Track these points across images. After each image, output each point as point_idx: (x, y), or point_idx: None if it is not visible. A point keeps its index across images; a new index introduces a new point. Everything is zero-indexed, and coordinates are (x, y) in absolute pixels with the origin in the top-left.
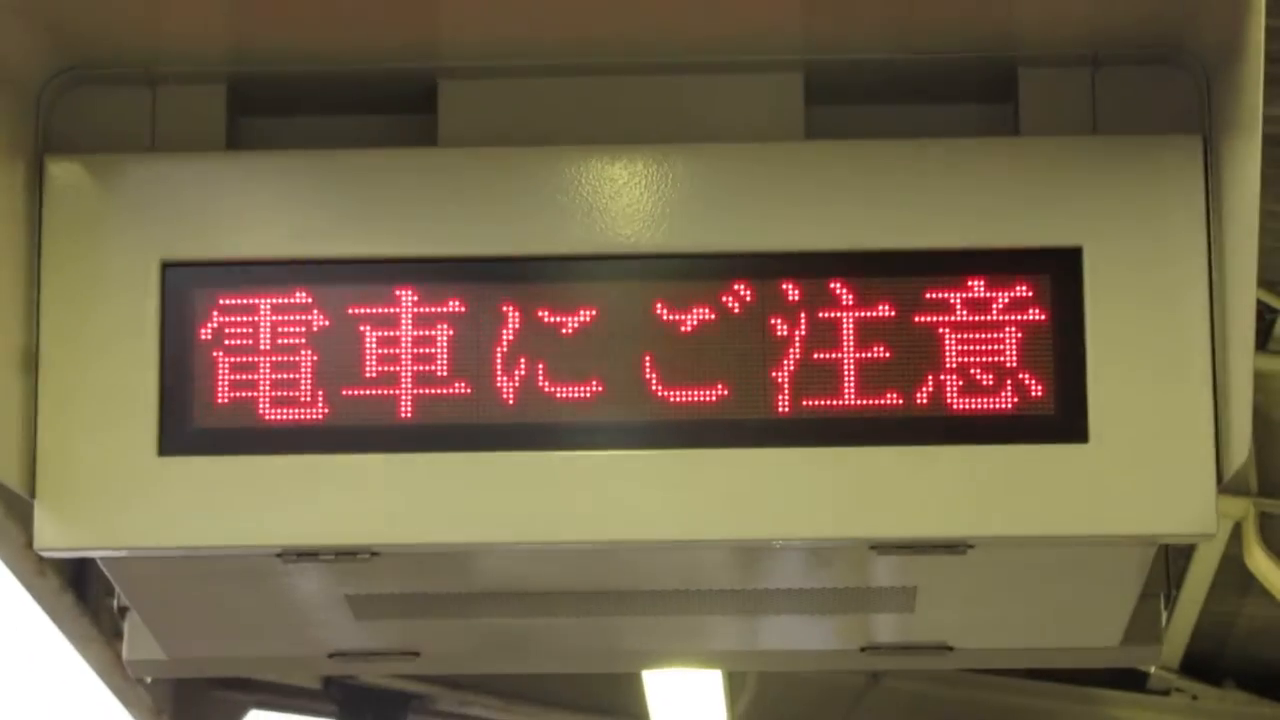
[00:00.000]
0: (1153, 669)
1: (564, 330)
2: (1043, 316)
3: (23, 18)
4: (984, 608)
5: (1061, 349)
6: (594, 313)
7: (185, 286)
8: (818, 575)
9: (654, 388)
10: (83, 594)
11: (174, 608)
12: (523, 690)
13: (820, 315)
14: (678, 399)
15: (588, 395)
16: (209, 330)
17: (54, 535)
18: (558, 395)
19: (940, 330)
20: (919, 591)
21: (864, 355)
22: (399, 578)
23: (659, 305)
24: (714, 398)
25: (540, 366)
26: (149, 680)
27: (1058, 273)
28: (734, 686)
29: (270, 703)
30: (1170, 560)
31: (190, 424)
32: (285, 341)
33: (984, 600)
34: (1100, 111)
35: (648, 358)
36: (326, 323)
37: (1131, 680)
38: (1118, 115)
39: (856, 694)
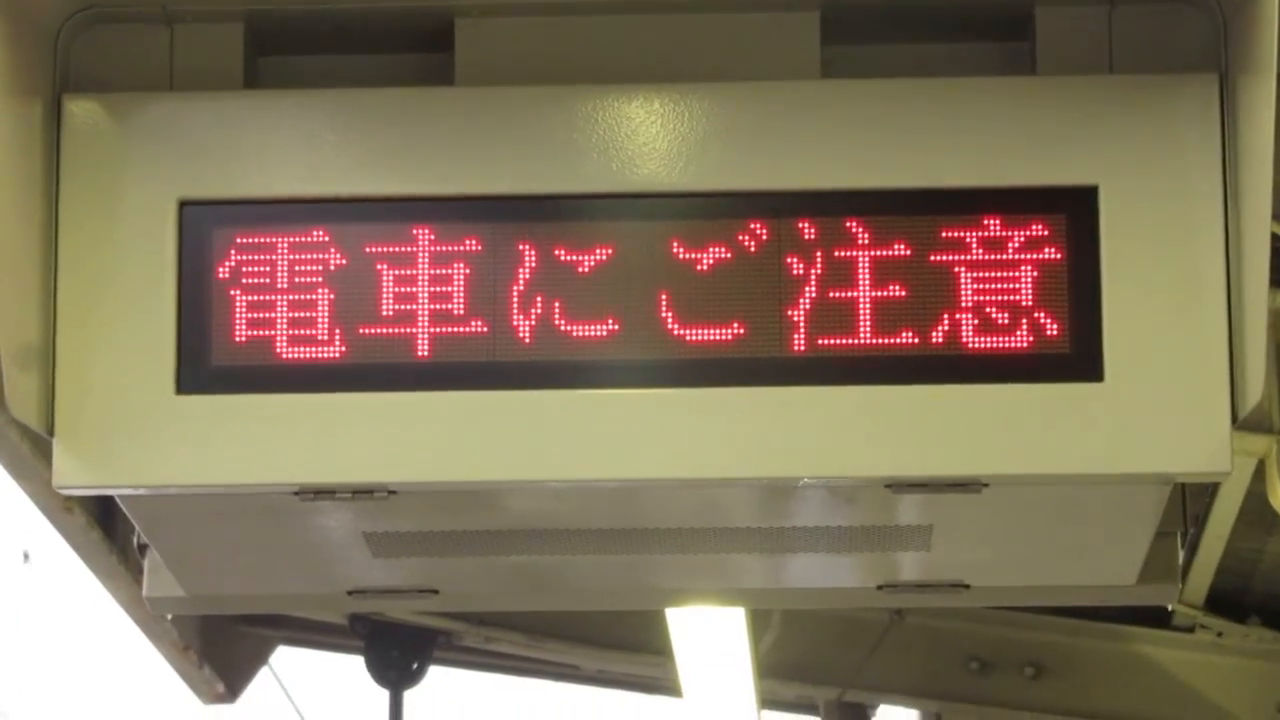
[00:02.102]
0: (1176, 606)
1: (580, 269)
2: (1058, 255)
3: None
4: (1000, 546)
5: (1077, 288)
6: (610, 251)
7: (202, 225)
8: (834, 513)
9: (670, 326)
10: (109, 530)
11: (192, 545)
12: (548, 626)
13: (836, 254)
14: (694, 338)
15: (604, 334)
16: (226, 269)
17: (72, 473)
18: (574, 334)
19: (956, 269)
20: (935, 530)
21: (880, 294)
22: (417, 516)
23: (675, 244)
24: (730, 336)
25: (557, 305)
26: (170, 617)
27: (1073, 211)
28: (758, 624)
29: (298, 639)
30: (1192, 498)
31: (208, 362)
32: (302, 280)
33: (1000, 539)
34: (1117, 50)
35: (664, 296)
36: (343, 261)
37: (1156, 617)
38: (1134, 54)
39: (880, 631)
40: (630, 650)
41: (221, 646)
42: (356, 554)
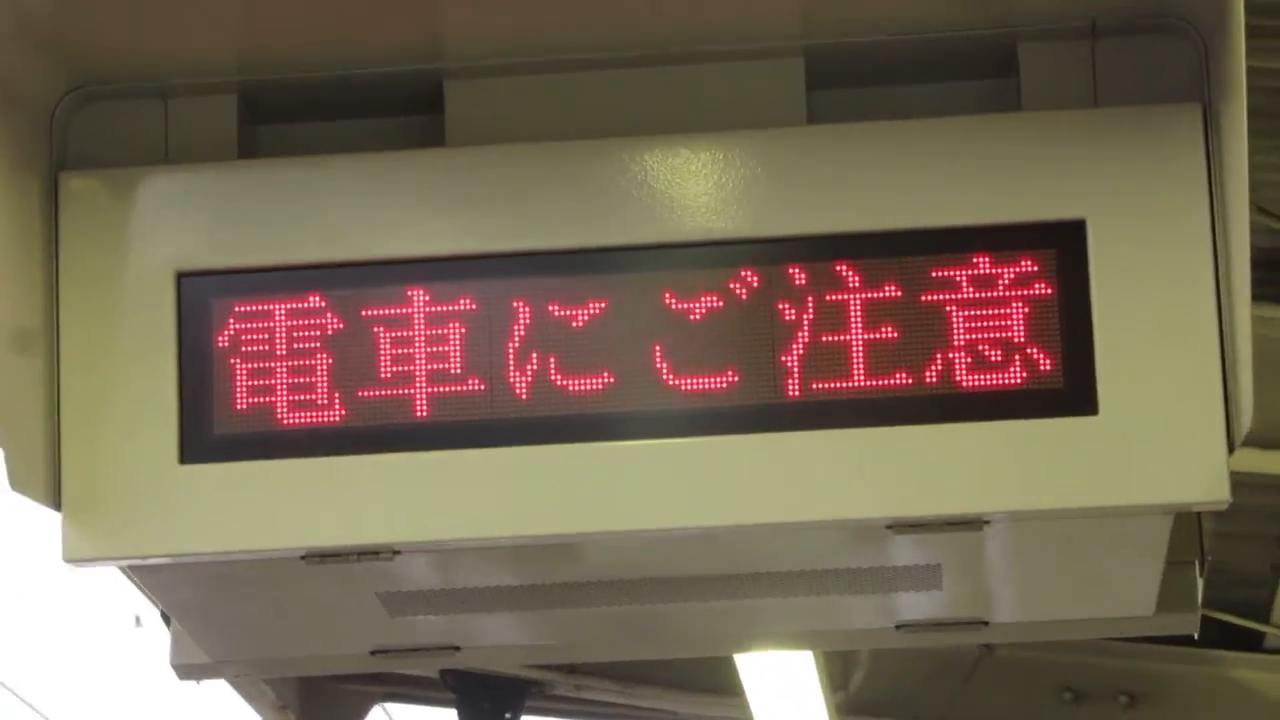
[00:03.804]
0: (1268, 629)
1: (574, 323)
2: (1049, 290)
3: (32, 41)
4: (1012, 582)
5: (1068, 322)
6: (603, 305)
7: (201, 295)
8: (839, 556)
9: (665, 376)
10: None
11: (209, 612)
12: (640, 673)
13: (827, 298)
14: (689, 387)
15: (600, 387)
16: (225, 338)
17: (80, 546)
18: (570, 388)
19: (947, 308)
20: (944, 569)
21: (872, 336)
22: (425, 575)
23: (667, 294)
24: (724, 385)
25: (552, 360)
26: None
27: (1062, 246)
28: (847, 663)
29: (396, 694)
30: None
31: (210, 431)
32: (300, 346)
33: (1011, 575)
34: (1101, 83)
35: (658, 347)
36: (340, 325)
37: (1247, 640)
38: (1119, 86)
39: (971, 664)
40: (722, 694)
41: (321, 705)
42: (373, 614)
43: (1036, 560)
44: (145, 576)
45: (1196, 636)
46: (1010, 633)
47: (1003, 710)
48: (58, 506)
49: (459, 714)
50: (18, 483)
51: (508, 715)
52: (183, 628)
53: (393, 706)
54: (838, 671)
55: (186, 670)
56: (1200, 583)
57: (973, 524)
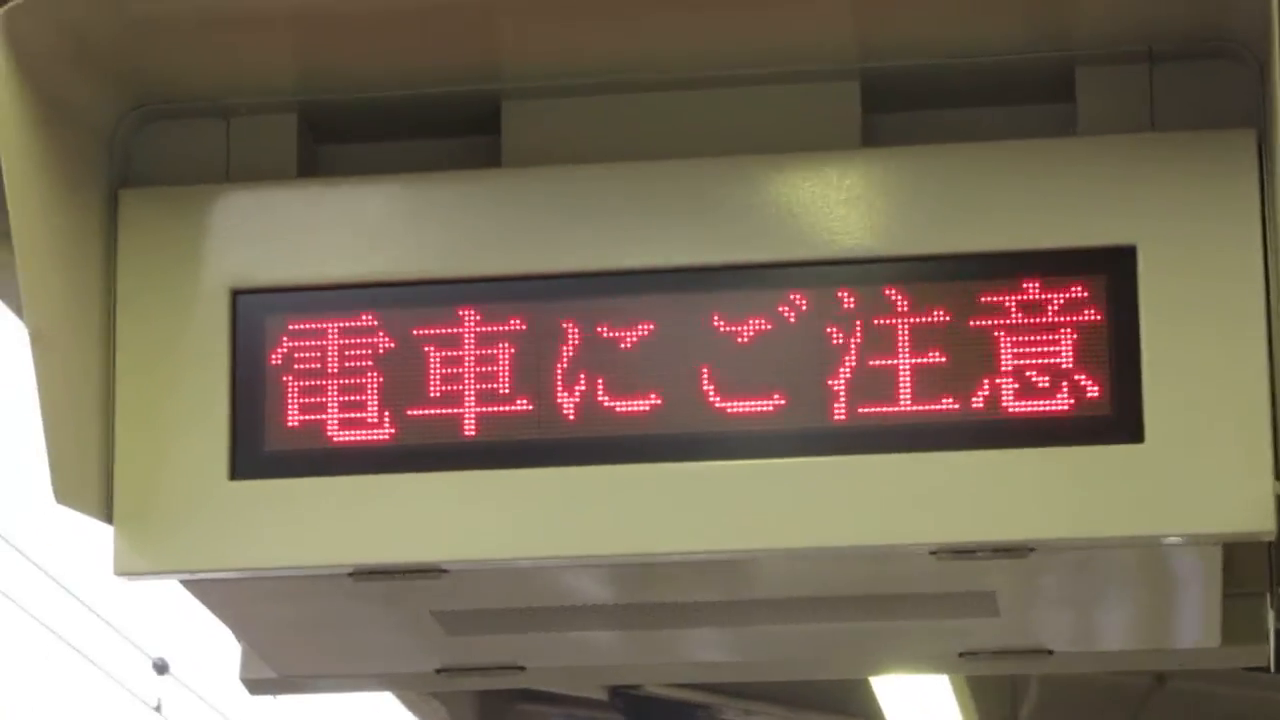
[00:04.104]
0: None
1: (623, 344)
2: (1098, 317)
3: (92, 62)
4: (1070, 611)
5: (1117, 349)
6: (651, 326)
7: (255, 313)
8: (889, 582)
9: (711, 399)
10: None
11: (269, 628)
12: (807, 698)
13: (875, 322)
14: (735, 409)
15: (646, 409)
16: (279, 355)
17: (132, 560)
18: (617, 409)
19: (996, 333)
20: (998, 596)
21: (919, 361)
22: (478, 594)
23: (715, 317)
24: (771, 408)
25: (600, 381)
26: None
27: (1113, 272)
28: (1015, 695)
29: (570, 715)
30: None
31: (261, 448)
32: (351, 364)
33: (1066, 603)
34: (1158, 108)
35: (705, 370)
36: (391, 344)
37: None
38: (1176, 112)
39: (1141, 696)
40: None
41: None
42: (431, 632)
43: (1090, 589)
44: (201, 592)
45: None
46: (1075, 662)
47: None
48: (109, 519)
49: None
50: (65, 496)
51: None
52: (244, 643)
53: None
54: (1005, 704)
55: (255, 685)
56: (1271, 614)
57: (1018, 551)
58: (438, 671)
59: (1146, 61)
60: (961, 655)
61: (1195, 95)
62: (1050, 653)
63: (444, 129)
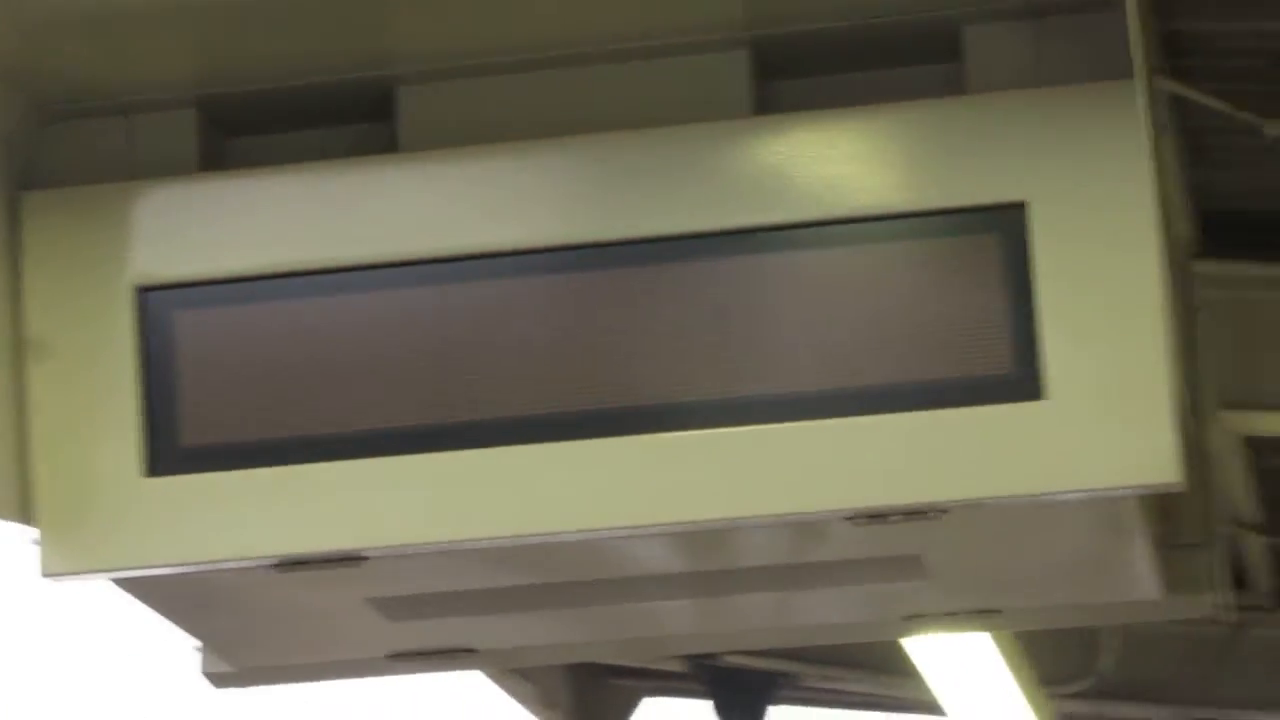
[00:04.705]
0: None
1: (517, 324)
2: (993, 275)
3: None
4: (1004, 570)
5: (1012, 308)
6: (542, 305)
7: (162, 309)
8: (814, 550)
9: (607, 375)
10: None
11: (212, 623)
12: (886, 662)
13: (771, 292)
14: (635, 385)
15: (539, 388)
16: (187, 351)
17: (58, 562)
18: (517, 390)
19: (892, 297)
20: (924, 559)
21: (819, 328)
22: (407, 579)
23: (608, 295)
24: (684, 384)
25: (500, 363)
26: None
27: (1004, 230)
28: (1093, 647)
29: (663, 689)
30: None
31: (174, 443)
32: (259, 355)
33: (998, 563)
34: (1044, 64)
35: (599, 347)
36: (297, 334)
37: None
38: (1062, 66)
39: (1223, 646)
40: None
41: (590, 701)
42: (372, 619)
43: (1016, 548)
44: (138, 591)
45: None
46: (1025, 619)
47: (1258, 691)
48: (29, 522)
49: (715, 707)
50: None
51: (758, 706)
52: (193, 635)
53: (658, 700)
54: (1084, 656)
55: (219, 679)
56: (1215, 564)
57: (930, 514)
58: (389, 657)
59: (1033, 17)
60: (906, 619)
61: (1082, 49)
62: (999, 612)
63: (344, 117)
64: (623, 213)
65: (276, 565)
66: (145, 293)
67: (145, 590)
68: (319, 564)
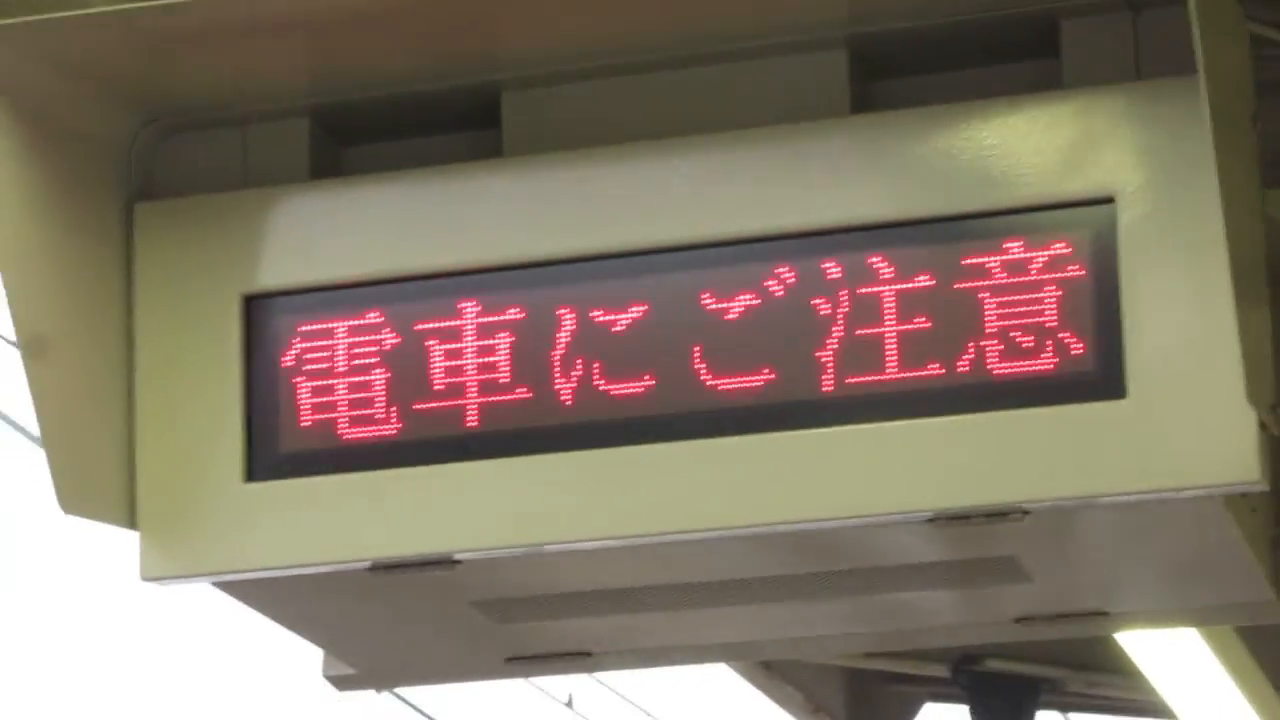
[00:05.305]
0: None
1: (615, 328)
2: (1081, 273)
3: (102, 79)
4: (1105, 572)
5: (1099, 305)
6: (645, 308)
7: (266, 317)
8: (907, 552)
9: (704, 378)
10: None
11: (322, 627)
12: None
13: (860, 291)
14: (727, 386)
15: (641, 390)
16: (290, 357)
17: (157, 565)
18: (613, 393)
19: (980, 295)
20: (1021, 560)
21: (905, 327)
22: (507, 581)
23: (705, 295)
24: (761, 383)
25: (596, 366)
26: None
27: (1093, 226)
28: None
29: (941, 695)
30: None
31: (275, 449)
32: (359, 362)
33: (1098, 565)
34: (1143, 57)
35: (697, 349)
36: (397, 340)
37: None
38: (1159, 58)
39: None
40: None
41: (867, 707)
42: (479, 623)
43: (1114, 550)
44: (242, 594)
45: None
46: (1132, 621)
47: None
48: (133, 525)
49: (971, 712)
50: (73, 505)
51: (1018, 713)
52: (312, 642)
53: (936, 706)
54: None
55: (339, 681)
56: None
57: (1012, 515)
58: (507, 661)
59: (1129, 9)
60: (1017, 621)
61: (1179, 41)
62: (1106, 614)
63: (452, 124)
64: (725, 212)
65: (370, 568)
66: (251, 300)
67: (250, 595)
68: (412, 567)
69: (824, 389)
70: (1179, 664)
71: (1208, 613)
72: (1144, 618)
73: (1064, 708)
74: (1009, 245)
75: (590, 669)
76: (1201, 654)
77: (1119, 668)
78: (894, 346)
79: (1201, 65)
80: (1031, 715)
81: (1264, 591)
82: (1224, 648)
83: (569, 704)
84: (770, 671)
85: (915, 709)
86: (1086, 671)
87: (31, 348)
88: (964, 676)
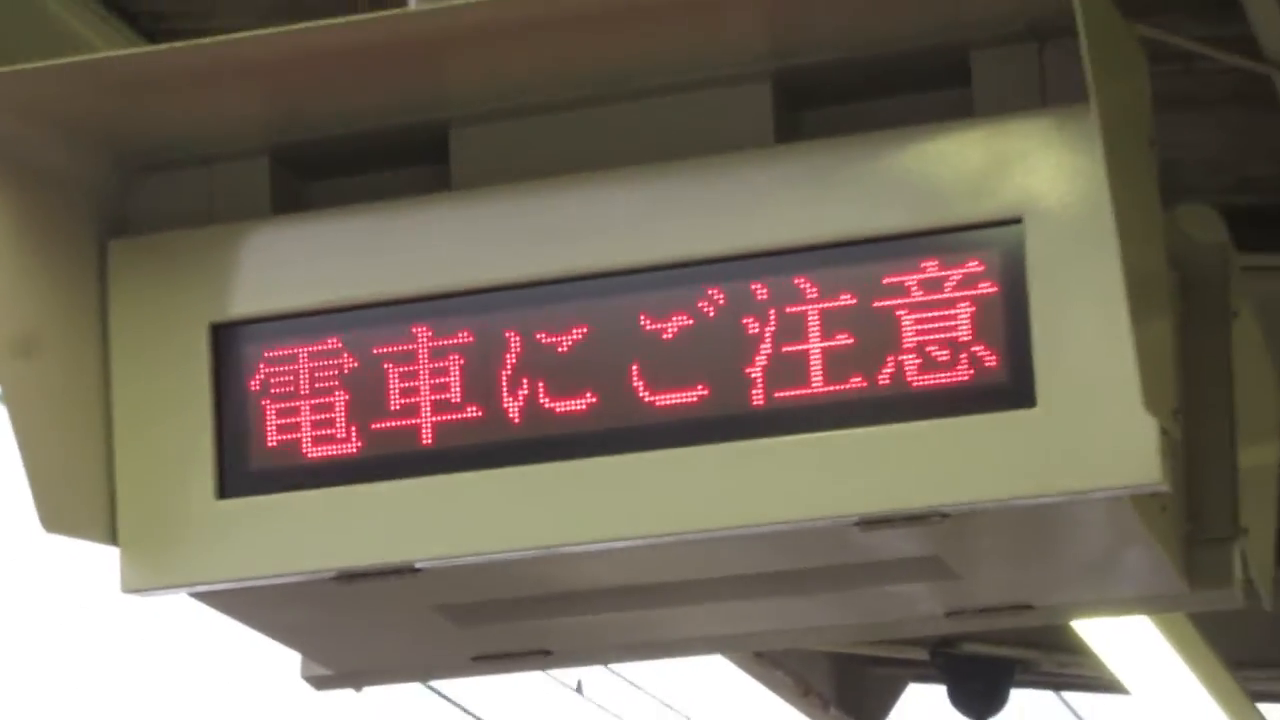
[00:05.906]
0: None
1: (562, 349)
2: (993, 289)
3: (73, 128)
4: (1025, 569)
5: (1009, 320)
6: (584, 329)
7: (232, 344)
8: (839, 553)
9: (642, 394)
10: None
11: (297, 632)
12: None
13: (787, 310)
14: (663, 402)
15: (584, 407)
16: (256, 382)
17: (136, 578)
18: (557, 410)
19: (898, 312)
20: (944, 559)
21: (829, 344)
22: (465, 588)
23: (642, 316)
24: (695, 398)
25: (540, 385)
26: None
27: (1003, 246)
28: None
29: (923, 676)
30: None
31: (245, 468)
32: (320, 385)
33: (1018, 562)
34: (1049, 86)
35: (635, 367)
36: (355, 364)
37: None
38: (1064, 86)
39: None
40: None
41: (853, 690)
42: (443, 626)
43: (1031, 548)
44: (219, 604)
45: None
46: (1056, 614)
47: None
48: (113, 542)
49: (949, 692)
50: (55, 525)
51: (995, 692)
52: (288, 647)
53: (919, 687)
54: None
55: (317, 681)
56: (1238, 557)
57: (932, 518)
58: (473, 659)
59: (1035, 40)
60: (948, 615)
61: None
62: (1031, 607)
63: (405, 159)
64: (660, 239)
65: (335, 578)
66: (219, 329)
67: (226, 604)
68: (375, 576)
69: (754, 403)
70: (1132, 645)
71: (1125, 604)
72: (1066, 610)
73: (1036, 685)
74: (925, 264)
75: (551, 666)
76: (1152, 635)
77: (1087, 649)
78: (819, 362)
79: (1093, 94)
80: (1006, 694)
81: (1176, 584)
82: (1173, 629)
83: (578, 689)
84: (761, 658)
85: (899, 690)
86: (1056, 652)
87: (11, 378)
88: (941, 659)
